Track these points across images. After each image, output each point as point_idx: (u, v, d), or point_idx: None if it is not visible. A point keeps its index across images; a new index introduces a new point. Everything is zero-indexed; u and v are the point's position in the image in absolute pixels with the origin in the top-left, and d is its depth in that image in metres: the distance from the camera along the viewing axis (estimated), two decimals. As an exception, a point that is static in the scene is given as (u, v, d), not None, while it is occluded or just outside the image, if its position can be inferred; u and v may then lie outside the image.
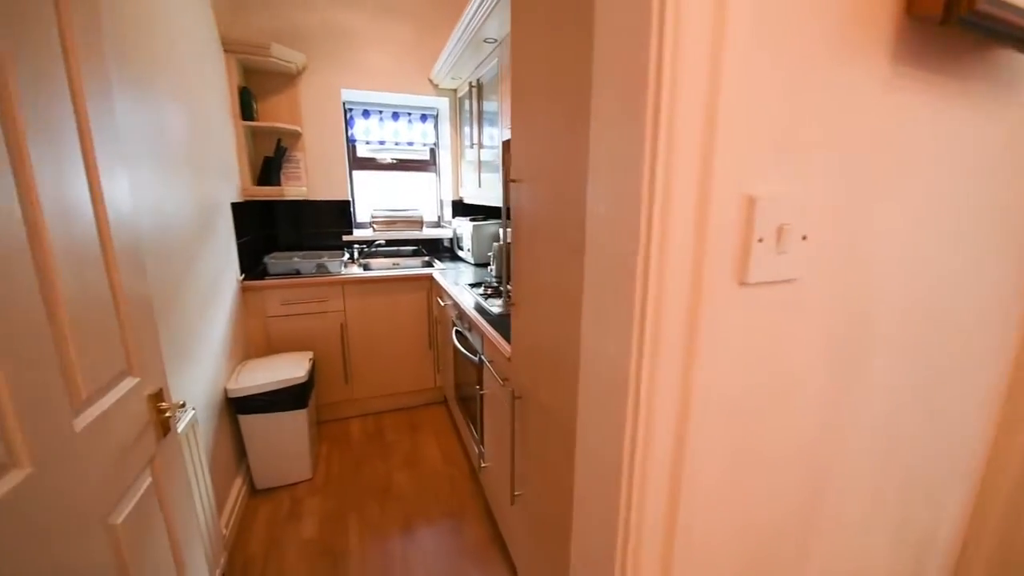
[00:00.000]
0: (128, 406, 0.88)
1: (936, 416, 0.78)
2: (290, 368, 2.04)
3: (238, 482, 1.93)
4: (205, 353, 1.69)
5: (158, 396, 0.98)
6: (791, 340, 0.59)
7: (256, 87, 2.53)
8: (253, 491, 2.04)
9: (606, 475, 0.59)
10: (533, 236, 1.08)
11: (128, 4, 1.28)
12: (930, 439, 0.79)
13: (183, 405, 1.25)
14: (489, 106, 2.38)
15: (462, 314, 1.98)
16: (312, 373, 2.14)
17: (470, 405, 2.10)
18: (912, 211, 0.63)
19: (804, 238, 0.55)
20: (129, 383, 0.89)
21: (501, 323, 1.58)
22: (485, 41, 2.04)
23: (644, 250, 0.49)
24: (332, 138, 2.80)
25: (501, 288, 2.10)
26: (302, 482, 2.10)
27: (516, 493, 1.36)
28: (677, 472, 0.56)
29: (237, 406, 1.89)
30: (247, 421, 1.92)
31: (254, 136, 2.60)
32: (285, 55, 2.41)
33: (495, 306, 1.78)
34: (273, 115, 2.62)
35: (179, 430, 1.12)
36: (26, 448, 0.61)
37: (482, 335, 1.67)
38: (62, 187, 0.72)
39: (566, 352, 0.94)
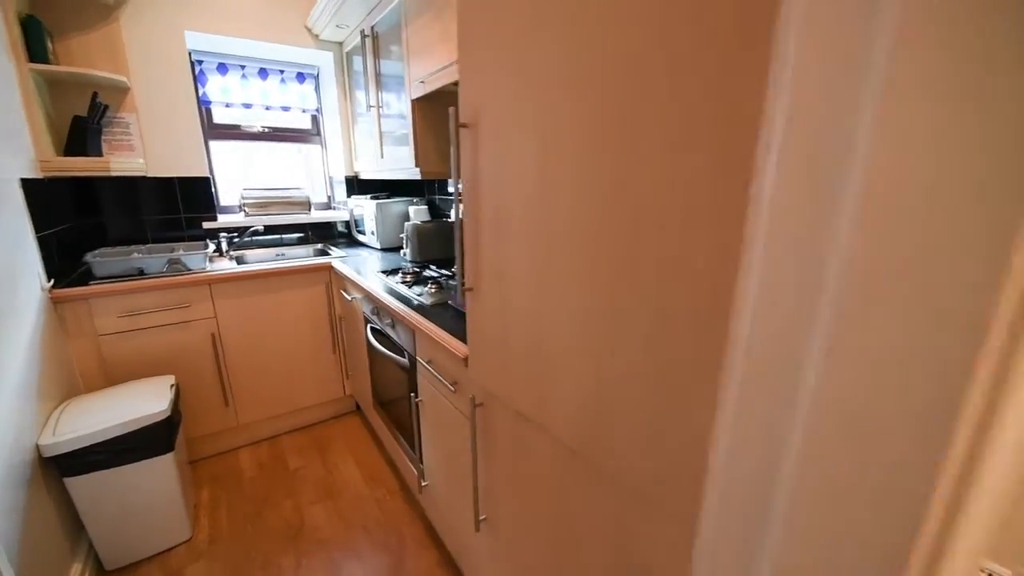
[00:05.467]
0: None
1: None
2: (142, 401, 1.51)
3: (76, 568, 1.38)
4: (-7, 399, 1.13)
5: None
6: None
7: (51, 19, 1.81)
8: (102, 573, 1.49)
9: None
10: (503, 198, 0.82)
11: None
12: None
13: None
14: (388, 66, 2.01)
15: (380, 308, 1.64)
16: (176, 403, 1.62)
17: (396, 412, 1.77)
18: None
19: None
20: None
21: (440, 315, 1.30)
22: (382, -26, 1.67)
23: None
24: (178, 96, 2.16)
25: (424, 273, 1.79)
26: (179, 546, 1.60)
27: (481, 518, 1.12)
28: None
29: (61, 467, 1.33)
30: (79, 485, 1.36)
31: (52, 87, 1.88)
32: (91, -26, 1.75)
33: (424, 295, 1.48)
34: (83, 60, 1.91)
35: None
36: None
37: (413, 331, 1.37)
38: None
39: (587, 339, 0.72)
